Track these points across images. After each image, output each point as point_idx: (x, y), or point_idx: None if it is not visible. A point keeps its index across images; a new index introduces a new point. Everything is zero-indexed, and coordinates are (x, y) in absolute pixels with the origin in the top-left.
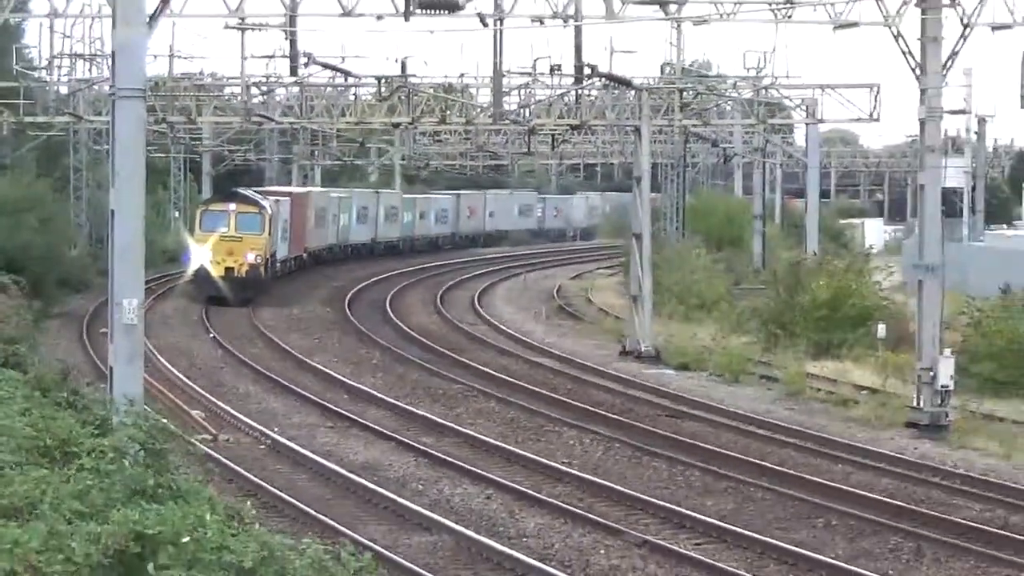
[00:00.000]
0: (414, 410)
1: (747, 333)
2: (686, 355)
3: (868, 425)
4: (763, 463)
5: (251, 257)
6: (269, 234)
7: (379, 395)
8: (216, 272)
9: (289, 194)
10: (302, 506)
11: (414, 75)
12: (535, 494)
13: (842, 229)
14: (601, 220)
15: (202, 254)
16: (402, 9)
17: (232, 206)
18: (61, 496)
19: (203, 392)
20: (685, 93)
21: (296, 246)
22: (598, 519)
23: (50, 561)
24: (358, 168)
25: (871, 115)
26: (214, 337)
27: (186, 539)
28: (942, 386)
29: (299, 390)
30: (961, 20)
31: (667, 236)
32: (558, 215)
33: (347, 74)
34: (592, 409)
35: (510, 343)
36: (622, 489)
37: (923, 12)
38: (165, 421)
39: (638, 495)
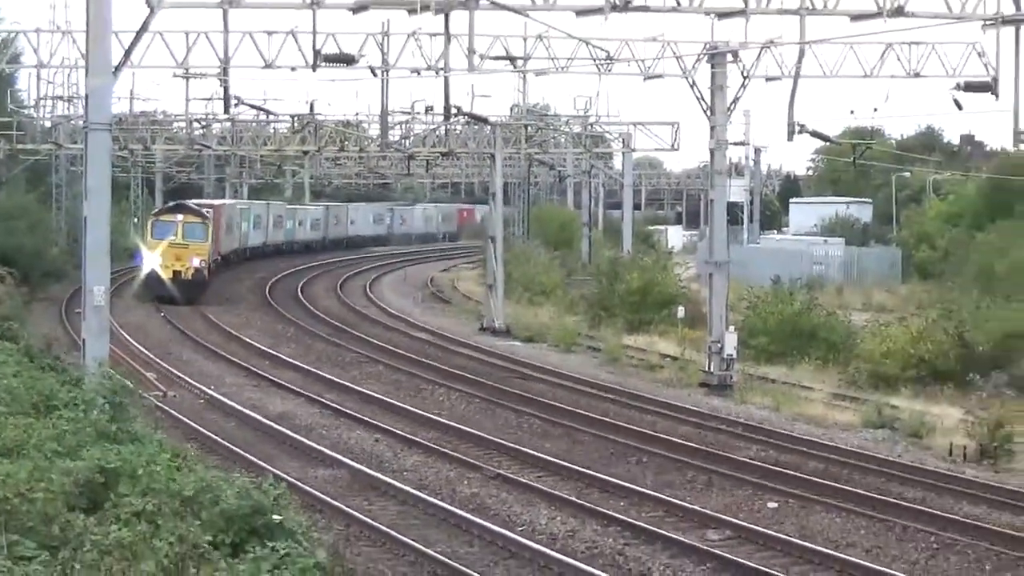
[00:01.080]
0: (319, 372)
1: (577, 313)
2: (530, 330)
3: (671, 385)
4: (590, 414)
5: (196, 262)
6: (212, 241)
7: (293, 361)
8: (165, 275)
9: (211, 206)
10: (232, 447)
11: (320, 113)
12: (413, 438)
13: (650, 234)
14: (434, 227)
15: (153, 259)
16: (311, 62)
17: (179, 217)
18: (43, 439)
19: (156, 358)
20: (529, 128)
21: (215, 250)
22: (462, 457)
23: (34, 489)
24: (277, 185)
25: (672, 145)
26: (164, 316)
27: (140, 473)
28: (727, 355)
29: (230, 357)
30: (742, 73)
31: (515, 239)
32: (403, 223)
33: (268, 112)
34: (457, 372)
35: (394, 321)
36: (480, 434)
37: (712, 67)
38: (126, 381)
39: (493, 438)
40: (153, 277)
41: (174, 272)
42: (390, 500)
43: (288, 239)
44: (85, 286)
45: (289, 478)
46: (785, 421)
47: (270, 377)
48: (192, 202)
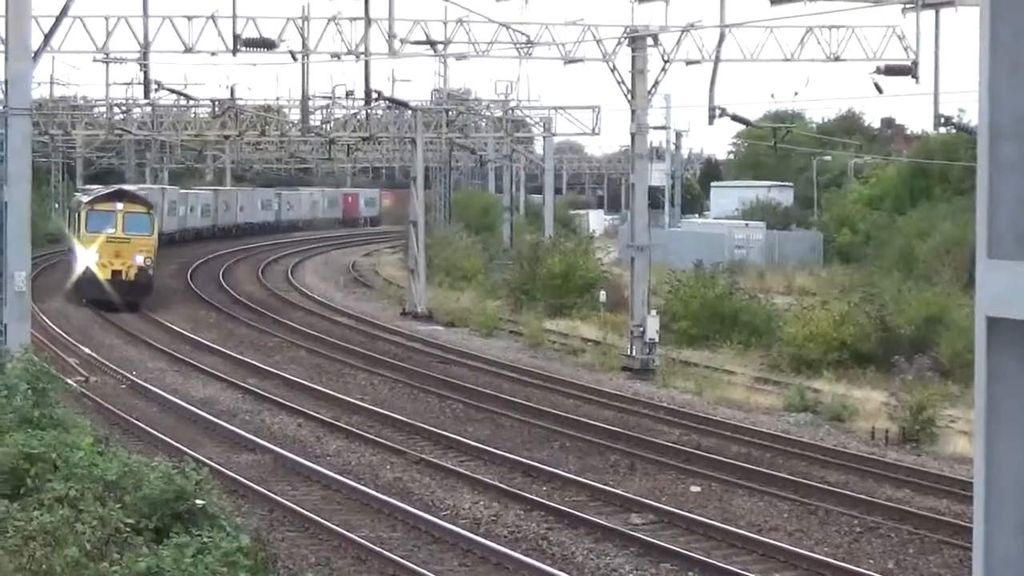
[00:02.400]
0: (241, 357)
1: (498, 298)
2: (452, 315)
3: (593, 369)
4: (512, 398)
5: (140, 259)
6: (157, 234)
7: (214, 346)
8: (102, 275)
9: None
10: (155, 432)
11: (241, 98)
12: (335, 423)
13: (571, 218)
14: (320, 213)
15: (88, 256)
16: (231, 47)
17: (119, 205)
18: None
19: (77, 344)
20: (450, 113)
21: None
22: (385, 442)
23: None
24: (198, 170)
25: (593, 130)
26: (85, 303)
27: (63, 458)
28: (649, 339)
29: (152, 342)
30: (662, 57)
31: (437, 223)
32: (291, 208)
33: (188, 97)
34: (379, 357)
35: (316, 306)
36: (403, 419)
37: (633, 51)
38: (48, 366)
39: (415, 423)
40: (88, 278)
41: (113, 272)
42: (313, 485)
43: (181, 227)
44: (6, 272)
45: (212, 463)
46: (707, 405)
47: (192, 362)
48: (128, 187)
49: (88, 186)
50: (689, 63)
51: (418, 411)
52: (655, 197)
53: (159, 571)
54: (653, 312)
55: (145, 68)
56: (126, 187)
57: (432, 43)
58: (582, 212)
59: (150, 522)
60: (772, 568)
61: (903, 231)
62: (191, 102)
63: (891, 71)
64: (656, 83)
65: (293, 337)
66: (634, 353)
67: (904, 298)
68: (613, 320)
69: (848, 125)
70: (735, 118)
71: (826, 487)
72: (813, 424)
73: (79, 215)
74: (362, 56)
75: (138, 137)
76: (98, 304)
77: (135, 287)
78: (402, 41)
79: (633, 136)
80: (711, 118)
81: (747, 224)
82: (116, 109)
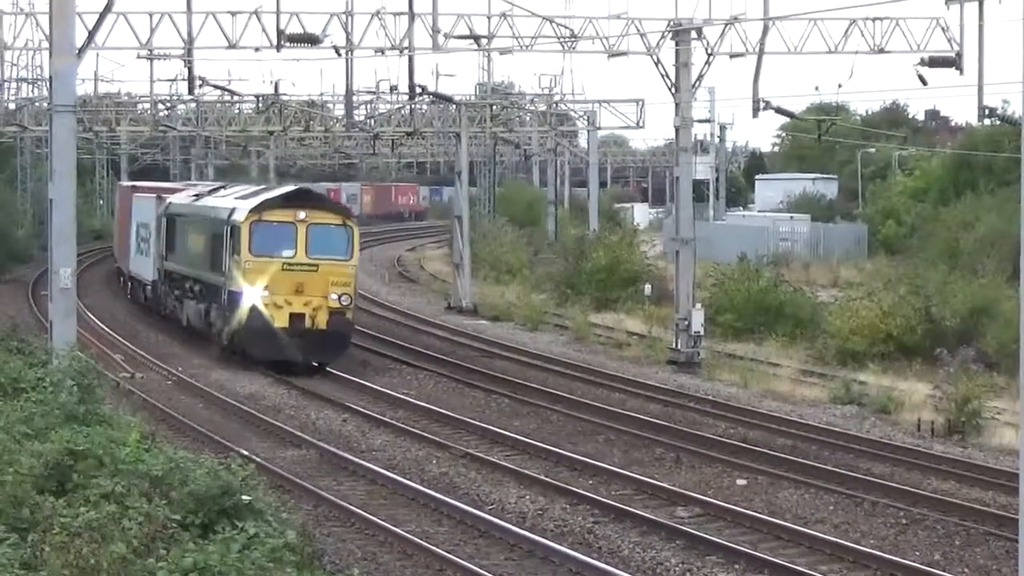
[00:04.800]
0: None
1: (544, 292)
2: (497, 309)
3: (638, 363)
4: (557, 392)
5: (334, 296)
6: (357, 259)
7: None
8: (277, 322)
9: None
10: (200, 428)
11: (285, 94)
12: (381, 417)
13: (616, 212)
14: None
15: (252, 294)
16: (275, 42)
17: (302, 214)
18: (11, 421)
19: (123, 340)
20: (494, 107)
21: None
22: (430, 436)
23: (2, 472)
24: (243, 166)
25: (637, 123)
26: (130, 298)
27: (109, 454)
28: (695, 332)
29: (198, 338)
30: (706, 50)
31: (481, 218)
32: None
33: (232, 93)
34: (425, 351)
35: (361, 301)
36: (448, 413)
37: (677, 44)
38: (93, 363)
39: (461, 417)
40: (255, 327)
41: (293, 317)
42: (359, 480)
43: None
44: (51, 268)
45: (258, 459)
46: (753, 398)
47: (237, 358)
48: (310, 186)
49: (202, 181)
50: (733, 56)
51: (464, 405)
52: (699, 190)
53: (206, 567)
54: (698, 305)
55: (189, 64)
56: (308, 186)
57: (476, 37)
58: (627, 205)
59: (196, 518)
60: (818, 560)
61: (948, 223)
62: (235, 98)
63: (935, 63)
64: (700, 76)
65: None
66: (679, 346)
67: (949, 290)
68: (658, 313)
69: (892, 117)
70: (779, 111)
71: (872, 479)
72: (859, 416)
73: (233, 229)
74: (406, 51)
75: (182, 133)
76: (267, 364)
77: (327, 340)
78: (446, 36)
79: (677, 129)
80: (755, 111)
81: (792, 217)
82: (160, 105)
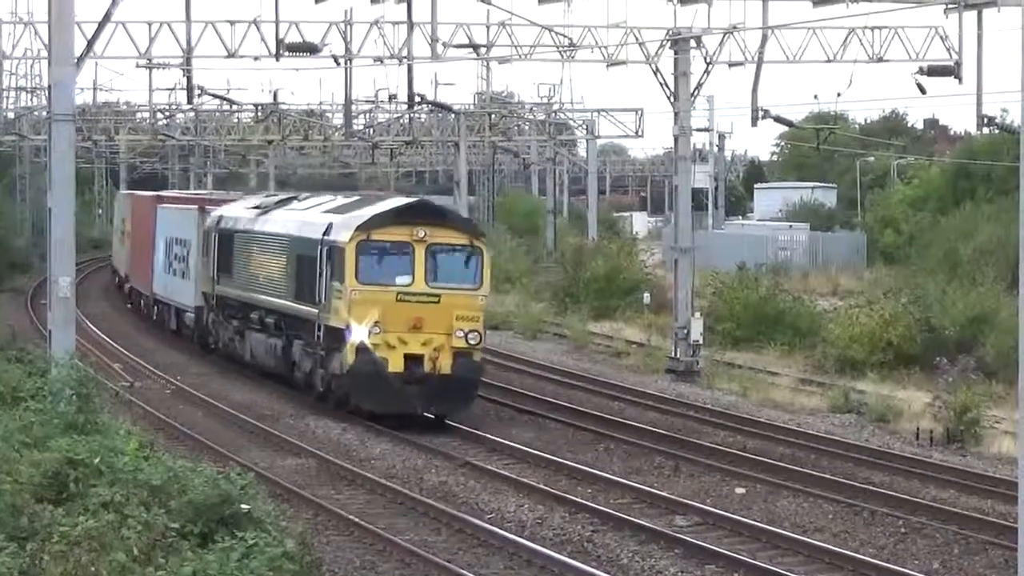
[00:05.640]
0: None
1: (543, 300)
2: (496, 318)
3: (637, 371)
4: (556, 401)
5: (461, 334)
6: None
7: None
8: (392, 365)
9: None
10: (199, 437)
11: (284, 103)
12: (379, 427)
13: (615, 221)
14: None
15: (361, 330)
16: (274, 52)
17: (422, 232)
18: (11, 430)
19: (122, 349)
20: (493, 116)
21: None
22: (428, 445)
23: (1, 481)
24: (241, 175)
25: (636, 132)
26: (129, 307)
27: (107, 463)
28: (694, 341)
29: (196, 347)
30: (705, 59)
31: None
32: None
33: (231, 102)
34: None
35: None
36: (447, 422)
37: (676, 53)
38: (92, 372)
39: (459, 426)
40: (363, 371)
41: (409, 360)
42: (358, 489)
43: None
44: (50, 277)
45: (257, 468)
46: (752, 406)
47: (234, 366)
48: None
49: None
50: (732, 65)
51: (462, 414)
52: (698, 199)
53: (205, 575)
54: (697, 314)
55: (188, 73)
56: (429, 198)
57: (475, 46)
58: (626, 214)
59: (195, 527)
60: (817, 569)
61: (946, 232)
62: (234, 107)
63: (934, 72)
64: (699, 85)
65: None
66: (678, 355)
67: (948, 299)
68: (657, 322)
69: (891, 126)
70: (778, 119)
71: (871, 488)
72: (858, 425)
73: (333, 250)
74: (405, 60)
75: (181, 142)
76: (376, 417)
77: (451, 387)
78: (445, 45)
79: (676, 138)
80: (754, 120)
81: (791, 226)
82: (159, 114)
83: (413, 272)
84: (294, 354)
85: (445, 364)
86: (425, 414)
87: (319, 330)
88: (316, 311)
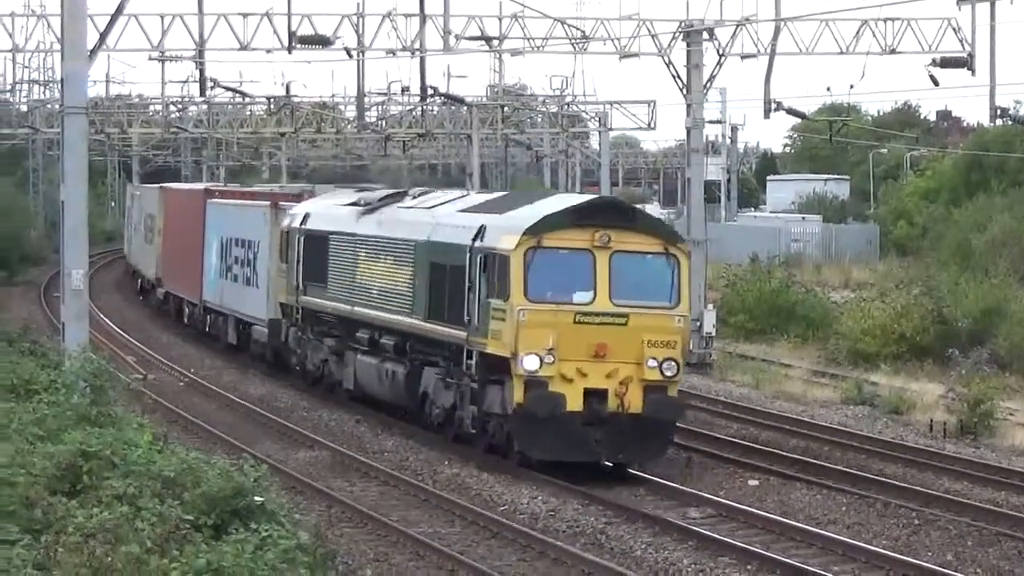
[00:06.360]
0: None
1: None
2: None
3: None
4: None
5: (653, 363)
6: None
7: None
8: (570, 402)
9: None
10: (213, 429)
11: (296, 95)
12: (393, 419)
13: None
14: None
15: (531, 359)
16: (286, 44)
17: (604, 237)
18: (24, 423)
19: (135, 342)
20: (505, 108)
21: None
22: (440, 441)
23: (15, 473)
24: (254, 168)
25: (649, 124)
26: (142, 300)
27: (121, 455)
28: (706, 333)
29: (209, 340)
30: (717, 51)
31: None
32: None
33: (244, 95)
34: None
35: None
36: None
37: (688, 45)
38: (105, 364)
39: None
40: (537, 408)
41: (589, 396)
42: (371, 481)
43: None
44: (63, 270)
45: (270, 460)
46: (765, 399)
47: (248, 359)
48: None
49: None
50: (744, 57)
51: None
52: (711, 191)
53: (219, 567)
54: (710, 306)
55: (200, 66)
56: (610, 196)
57: (487, 39)
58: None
59: (209, 519)
60: (831, 561)
61: (959, 223)
62: (247, 99)
63: (947, 63)
64: (712, 77)
65: None
66: (691, 347)
67: (961, 291)
68: None
69: (904, 118)
70: (791, 111)
71: (884, 480)
72: (871, 417)
73: (492, 259)
74: (417, 52)
75: (194, 135)
76: (546, 464)
77: (640, 430)
78: (457, 37)
79: (689, 130)
80: (767, 112)
81: (803, 218)
82: (172, 107)
83: (595, 286)
84: (425, 385)
85: (634, 401)
86: (607, 463)
87: (469, 358)
88: (463, 334)
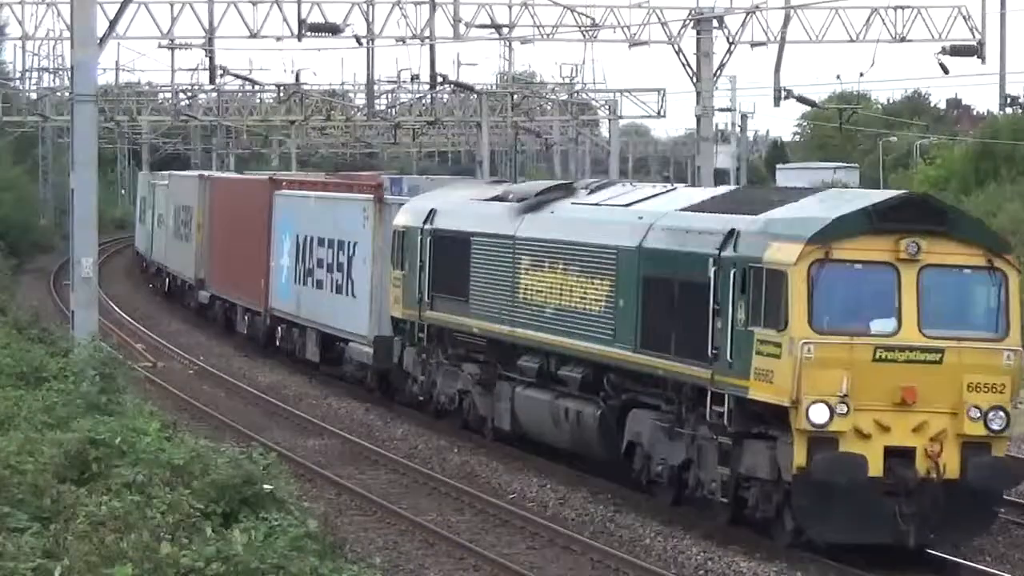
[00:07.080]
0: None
1: None
2: None
3: None
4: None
5: (978, 415)
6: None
7: None
8: (871, 466)
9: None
10: (222, 417)
11: (306, 83)
12: (402, 407)
13: None
14: None
15: (820, 410)
16: (296, 32)
17: (912, 247)
18: (33, 411)
19: (144, 329)
20: (515, 96)
21: None
22: (447, 430)
23: (24, 461)
24: (263, 156)
25: (659, 112)
26: (152, 286)
27: (130, 443)
28: None
29: (218, 328)
30: (727, 39)
31: None
32: None
33: (254, 82)
34: None
35: None
36: None
37: (698, 33)
38: (115, 352)
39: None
40: (827, 474)
41: (892, 456)
42: (380, 469)
43: None
44: (73, 257)
45: (279, 448)
46: None
47: (256, 348)
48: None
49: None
50: (754, 45)
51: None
52: (721, 179)
53: (228, 555)
54: None
55: (210, 53)
56: (915, 192)
57: (497, 26)
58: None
59: (218, 507)
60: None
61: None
62: (256, 87)
63: (957, 51)
64: (722, 65)
65: None
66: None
67: None
68: None
69: (914, 106)
70: (801, 99)
71: None
72: None
73: (760, 274)
74: (427, 40)
75: (204, 123)
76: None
77: (957, 501)
78: (467, 25)
79: (699, 119)
80: (777, 100)
81: None
82: (182, 95)
83: (899, 312)
84: (634, 433)
85: (951, 464)
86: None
87: (716, 404)
88: (704, 372)
